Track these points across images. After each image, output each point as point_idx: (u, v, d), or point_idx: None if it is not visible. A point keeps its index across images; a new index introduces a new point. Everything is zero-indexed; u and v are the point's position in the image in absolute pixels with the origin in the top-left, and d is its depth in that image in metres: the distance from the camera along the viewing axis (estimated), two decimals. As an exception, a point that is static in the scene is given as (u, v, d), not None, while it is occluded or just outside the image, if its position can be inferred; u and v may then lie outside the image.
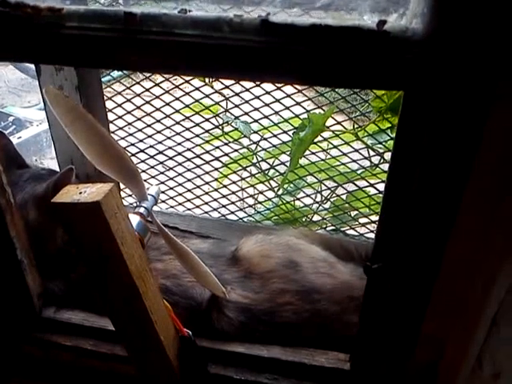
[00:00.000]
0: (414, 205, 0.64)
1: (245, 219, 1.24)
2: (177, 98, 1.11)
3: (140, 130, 1.16)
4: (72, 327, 0.94)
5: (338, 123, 1.08)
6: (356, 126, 1.07)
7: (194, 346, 0.85)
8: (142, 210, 0.82)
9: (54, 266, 0.95)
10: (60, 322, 0.94)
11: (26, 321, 0.94)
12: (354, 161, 1.16)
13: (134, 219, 0.78)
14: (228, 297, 0.90)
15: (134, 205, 0.89)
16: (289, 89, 1.04)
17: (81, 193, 0.67)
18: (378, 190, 1.15)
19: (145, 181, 1.22)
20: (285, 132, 1.11)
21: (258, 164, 1.17)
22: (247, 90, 1.07)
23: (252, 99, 1.08)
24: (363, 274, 1.02)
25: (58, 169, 1.15)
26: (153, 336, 0.78)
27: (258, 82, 1.00)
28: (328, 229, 1.30)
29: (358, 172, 1.17)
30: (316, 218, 1.28)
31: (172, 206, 1.26)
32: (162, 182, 1.23)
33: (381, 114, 1.05)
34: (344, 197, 1.25)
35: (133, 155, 1.19)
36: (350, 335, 0.89)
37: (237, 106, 1.11)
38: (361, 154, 1.14)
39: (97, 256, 0.70)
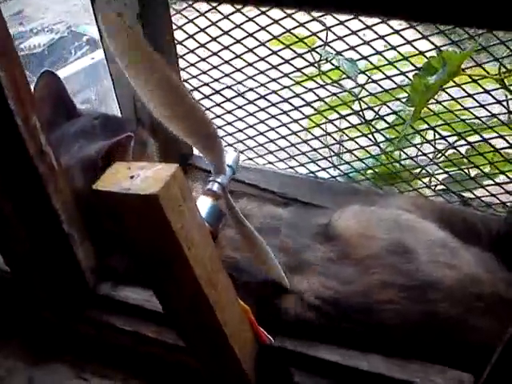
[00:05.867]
0: None
1: (338, 178, 1.02)
2: (262, 28, 0.86)
3: (215, 68, 0.94)
4: (131, 308, 0.79)
5: (479, 65, 0.80)
6: (503, 70, 0.79)
7: (278, 356, 0.68)
8: (215, 187, 0.62)
9: (112, 239, 0.78)
10: (117, 301, 0.80)
11: (79, 298, 0.80)
12: (482, 106, 0.87)
13: (204, 204, 0.59)
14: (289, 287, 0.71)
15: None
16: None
17: (132, 177, 0.48)
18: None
19: (219, 127, 1.01)
20: (403, 73, 0.85)
21: (361, 112, 0.92)
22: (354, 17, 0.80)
23: (360, 29, 0.82)
24: (492, 263, 0.80)
25: (119, 113, 0.96)
26: (226, 351, 0.60)
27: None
28: (439, 189, 1.04)
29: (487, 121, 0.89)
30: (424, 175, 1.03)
31: (250, 158, 1.05)
32: (241, 130, 1.01)
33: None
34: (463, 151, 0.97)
35: (206, 97, 0.98)
36: (475, 346, 0.69)
37: (340, 38, 0.85)
38: (493, 97, 0.85)
39: (153, 261, 0.52)
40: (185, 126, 0.59)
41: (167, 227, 0.48)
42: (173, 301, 0.55)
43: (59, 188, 0.68)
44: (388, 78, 0.86)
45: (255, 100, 0.96)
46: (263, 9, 0.83)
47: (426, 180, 1.00)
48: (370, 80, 0.89)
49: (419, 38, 0.80)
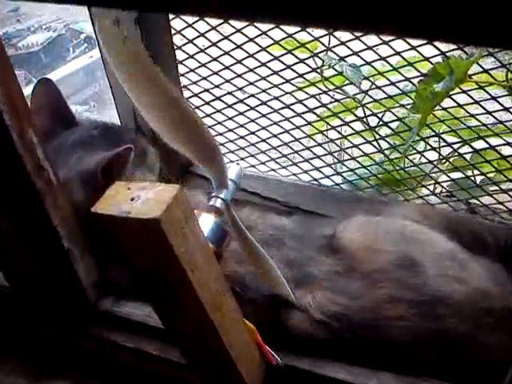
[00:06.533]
0: None
1: (342, 185, 1.00)
2: (263, 32, 0.84)
3: (216, 73, 0.92)
4: (133, 324, 0.77)
5: (485, 71, 0.78)
6: (511, 76, 0.77)
7: (285, 376, 0.66)
8: (218, 203, 0.60)
9: (114, 252, 0.76)
10: (119, 317, 0.78)
11: (80, 314, 0.78)
12: (489, 113, 0.85)
13: (207, 222, 0.57)
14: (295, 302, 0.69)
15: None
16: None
17: (133, 199, 0.46)
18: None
19: (220, 134, 1.00)
20: (407, 79, 0.83)
21: (365, 119, 0.90)
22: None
23: (364, 35, 0.80)
24: (502, 275, 0.78)
25: (118, 120, 0.94)
26: (232, 372, 0.59)
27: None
28: (444, 196, 1.03)
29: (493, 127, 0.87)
30: (429, 182, 1.01)
31: (253, 165, 1.03)
32: (242, 137, 0.99)
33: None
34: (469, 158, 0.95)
35: (206, 103, 0.96)
36: (486, 363, 0.67)
37: (343, 43, 0.83)
38: (500, 104, 0.83)
39: (155, 283, 0.50)
40: (185, 141, 0.57)
41: (169, 251, 0.46)
42: (176, 324, 0.54)
43: (58, 203, 0.67)
44: (392, 84, 0.84)
45: (257, 106, 0.94)
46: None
47: (432, 187, 0.98)
48: (373, 86, 0.87)
49: (424, 44, 0.78)
